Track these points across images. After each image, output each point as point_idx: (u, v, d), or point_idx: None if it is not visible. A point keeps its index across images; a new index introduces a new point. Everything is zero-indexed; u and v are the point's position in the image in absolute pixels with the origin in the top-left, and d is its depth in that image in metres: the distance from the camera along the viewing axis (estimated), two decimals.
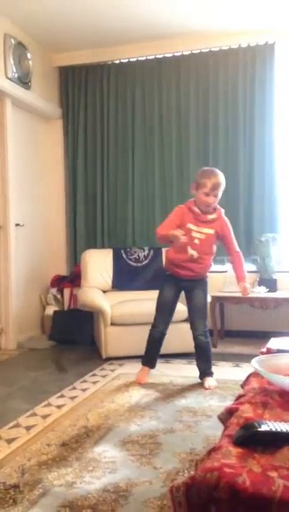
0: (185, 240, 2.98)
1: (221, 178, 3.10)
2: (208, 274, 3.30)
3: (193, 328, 3.28)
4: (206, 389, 3.16)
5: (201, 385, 3.25)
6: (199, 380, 3.30)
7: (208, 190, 3.05)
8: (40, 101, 4.93)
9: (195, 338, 3.27)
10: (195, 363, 3.35)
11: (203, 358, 3.29)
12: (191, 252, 3.10)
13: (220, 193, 3.11)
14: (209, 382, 3.23)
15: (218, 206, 3.20)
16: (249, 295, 3.28)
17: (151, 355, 3.38)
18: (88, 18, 4.44)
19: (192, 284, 3.23)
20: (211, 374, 3.29)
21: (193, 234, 3.11)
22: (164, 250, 4.69)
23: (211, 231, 3.14)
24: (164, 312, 3.30)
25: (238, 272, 3.22)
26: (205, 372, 3.28)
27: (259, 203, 4.71)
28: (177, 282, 3.24)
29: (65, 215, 5.37)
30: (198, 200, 3.12)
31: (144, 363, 3.39)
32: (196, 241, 3.12)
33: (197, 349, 3.29)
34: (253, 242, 4.64)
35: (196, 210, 3.13)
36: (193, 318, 3.27)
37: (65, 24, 4.55)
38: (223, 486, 0.95)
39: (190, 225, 3.12)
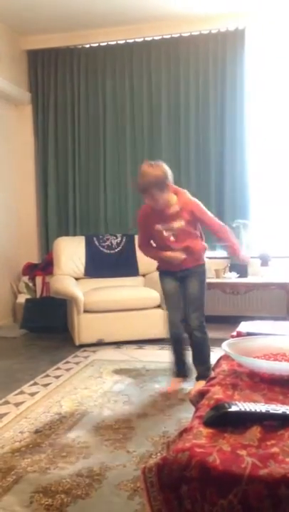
0: (181, 256, 2.82)
1: (148, 176, 2.66)
2: (204, 259, 2.97)
3: (187, 322, 2.92)
4: (190, 393, 2.69)
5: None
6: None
7: (142, 193, 2.76)
8: (9, 85, 4.82)
9: (189, 333, 2.93)
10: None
11: (197, 358, 2.93)
12: (176, 255, 2.83)
13: (157, 191, 2.68)
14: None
15: (180, 191, 2.85)
16: (247, 261, 3.20)
17: (178, 363, 3.01)
18: (58, 1, 4.35)
19: (186, 273, 2.89)
20: (206, 378, 2.62)
21: (165, 234, 2.84)
22: (136, 237, 4.68)
23: (182, 223, 2.81)
24: (172, 303, 2.99)
25: (230, 245, 2.92)
26: (200, 375, 2.89)
27: (230, 189, 4.75)
28: (173, 274, 2.94)
29: (36, 202, 5.30)
30: None
31: (174, 375, 3.03)
32: (172, 238, 2.84)
33: (192, 346, 2.94)
34: None
35: (157, 208, 2.82)
36: (187, 310, 2.92)
37: (34, 7, 4.44)
38: (194, 465, 0.96)
39: (158, 226, 2.85)
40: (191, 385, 2.93)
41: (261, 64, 4.77)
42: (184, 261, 2.86)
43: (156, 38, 4.89)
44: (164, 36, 4.87)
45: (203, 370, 2.88)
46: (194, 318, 2.89)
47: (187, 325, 2.94)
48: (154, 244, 3.00)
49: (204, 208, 2.89)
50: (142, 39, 4.92)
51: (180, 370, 3.02)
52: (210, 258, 4.28)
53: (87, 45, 5.07)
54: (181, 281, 2.94)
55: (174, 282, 2.97)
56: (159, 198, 2.72)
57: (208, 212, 2.90)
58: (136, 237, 4.66)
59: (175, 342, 3.01)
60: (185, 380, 3.00)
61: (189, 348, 2.99)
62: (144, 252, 3.03)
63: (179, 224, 2.82)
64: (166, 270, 2.99)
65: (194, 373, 2.99)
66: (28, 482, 1.85)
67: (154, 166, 2.70)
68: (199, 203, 2.89)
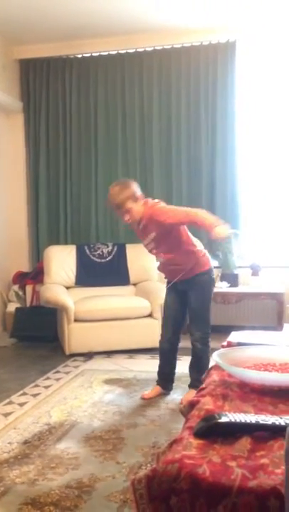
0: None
1: (113, 197, 2.78)
2: (203, 266, 2.94)
3: (189, 333, 3.00)
4: (180, 403, 2.77)
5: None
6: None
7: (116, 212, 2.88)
8: (0, 94, 4.82)
9: (191, 343, 3.00)
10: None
11: (194, 366, 2.98)
12: (158, 259, 3.01)
13: (127, 206, 2.75)
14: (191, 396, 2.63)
15: (145, 203, 2.83)
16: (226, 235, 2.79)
17: (162, 372, 3.06)
18: (51, 11, 4.37)
19: (186, 285, 2.91)
20: (197, 387, 2.85)
21: (148, 247, 2.95)
22: (128, 246, 4.70)
23: (153, 234, 2.83)
24: (166, 315, 3.06)
25: (205, 227, 2.77)
26: (192, 383, 2.93)
27: (221, 199, 4.77)
28: (175, 286, 2.97)
29: (26, 211, 5.29)
30: None
31: (156, 382, 3.07)
32: (154, 250, 2.93)
33: (192, 354, 3.01)
34: None
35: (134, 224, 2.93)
36: (189, 322, 3.00)
37: (26, 16, 4.47)
38: (184, 477, 0.96)
39: (143, 242, 2.97)
40: (181, 396, 2.92)
41: (252, 76, 4.82)
42: (176, 273, 2.89)
43: (148, 49, 4.93)
44: (156, 47, 4.91)
45: (197, 379, 2.80)
46: (195, 331, 2.96)
47: (190, 336, 3.00)
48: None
49: (166, 208, 2.81)
50: (134, 50, 4.96)
51: (159, 381, 3.05)
52: None
53: (80, 55, 5.09)
54: (184, 294, 2.96)
55: (174, 295, 3.02)
56: (128, 217, 2.80)
57: (173, 212, 2.78)
58: (127, 246, 4.70)
59: (160, 354, 3.10)
60: (164, 392, 3.02)
61: (175, 362, 3.08)
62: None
63: (151, 235, 2.85)
64: (169, 282, 3.03)
65: (185, 382, 3.01)
66: (17, 494, 1.83)
67: (119, 186, 2.80)
68: (160, 205, 2.81)
